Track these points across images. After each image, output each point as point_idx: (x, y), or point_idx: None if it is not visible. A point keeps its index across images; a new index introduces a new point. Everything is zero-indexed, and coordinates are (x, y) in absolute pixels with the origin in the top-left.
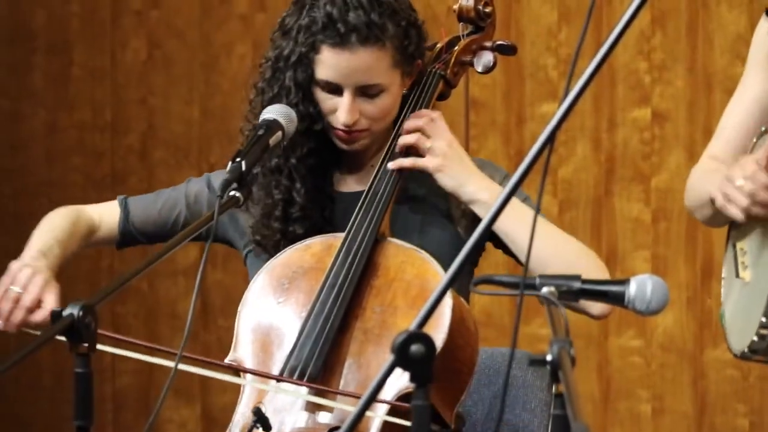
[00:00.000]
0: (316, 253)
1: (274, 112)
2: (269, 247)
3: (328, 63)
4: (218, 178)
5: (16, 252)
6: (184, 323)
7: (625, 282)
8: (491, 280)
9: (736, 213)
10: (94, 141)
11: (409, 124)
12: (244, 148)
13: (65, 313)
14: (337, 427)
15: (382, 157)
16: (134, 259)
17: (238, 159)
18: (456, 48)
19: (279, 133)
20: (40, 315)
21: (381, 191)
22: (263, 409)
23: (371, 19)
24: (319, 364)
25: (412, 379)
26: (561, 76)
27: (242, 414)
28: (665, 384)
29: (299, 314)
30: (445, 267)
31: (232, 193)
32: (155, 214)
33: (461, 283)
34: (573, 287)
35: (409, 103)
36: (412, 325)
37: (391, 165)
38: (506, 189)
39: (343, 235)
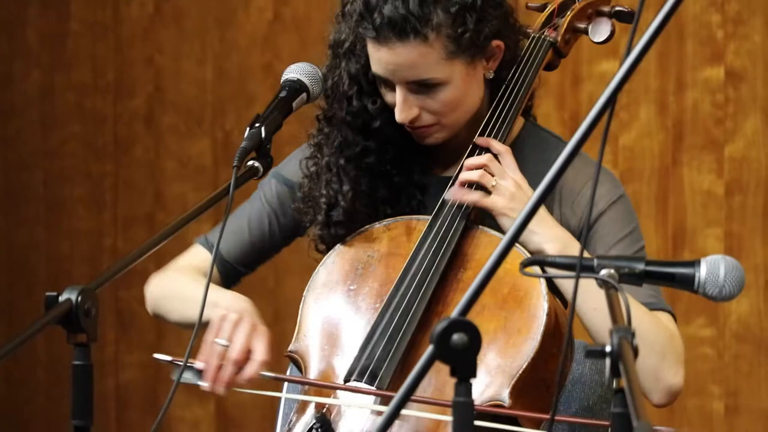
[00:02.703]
0: (395, 237)
1: (297, 71)
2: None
3: (373, 57)
4: (289, 167)
5: (6, 230)
6: None
7: (694, 263)
8: (543, 261)
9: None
10: (94, 105)
11: (471, 161)
12: (263, 112)
13: (62, 298)
14: None
15: (480, 130)
16: (140, 238)
17: (256, 125)
18: (569, 12)
19: (303, 95)
20: (249, 370)
21: None
22: (328, 416)
23: (409, 9)
24: (392, 367)
25: (453, 372)
26: (623, 31)
27: (303, 412)
28: (740, 378)
29: (373, 305)
30: None
31: (250, 162)
32: (247, 239)
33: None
34: (636, 269)
35: (512, 74)
36: (454, 312)
37: (449, 196)
38: (549, 174)
39: (428, 218)
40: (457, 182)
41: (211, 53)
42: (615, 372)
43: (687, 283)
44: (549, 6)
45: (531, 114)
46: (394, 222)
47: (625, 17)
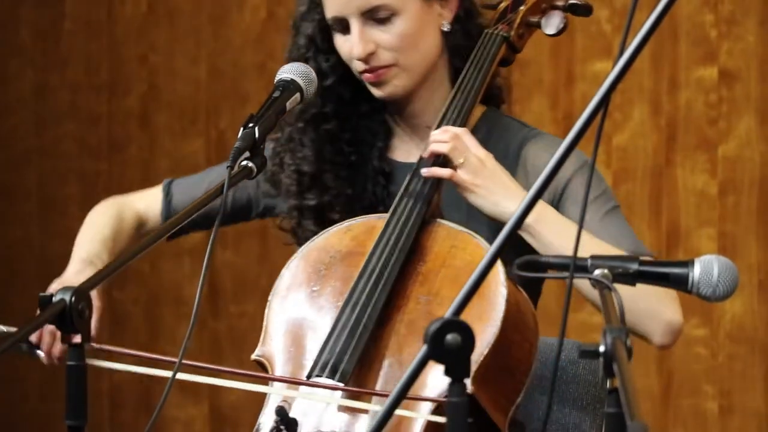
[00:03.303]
0: (356, 236)
1: (290, 71)
2: (294, 233)
3: None
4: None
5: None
6: (190, 309)
7: (688, 263)
8: (536, 262)
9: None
10: (89, 104)
11: (437, 134)
12: (257, 112)
13: (55, 298)
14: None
15: (437, 121)
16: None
17: (250, 125)
18: (522, 7)
19: (297, 95)
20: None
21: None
22: (287, 409)
23: None
24: (353, 360)
25: (447, 372)
26: (616, 30)
27: (269, 416)
28: (734, 378)
29: (335, 304)
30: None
31: (244, 162)
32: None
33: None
34: (629, 269)
35: (467, 68)
36: (448, 312)
37: (425, 172)
38: (544, 173)
39: (387, 216)
40: (428, 154)
41: (205, 52)
42: (609, 372)
43: (681, 283)
44: (503, 2)
45: (499, 105)
46: (355, 223)
47: (580, 10)
